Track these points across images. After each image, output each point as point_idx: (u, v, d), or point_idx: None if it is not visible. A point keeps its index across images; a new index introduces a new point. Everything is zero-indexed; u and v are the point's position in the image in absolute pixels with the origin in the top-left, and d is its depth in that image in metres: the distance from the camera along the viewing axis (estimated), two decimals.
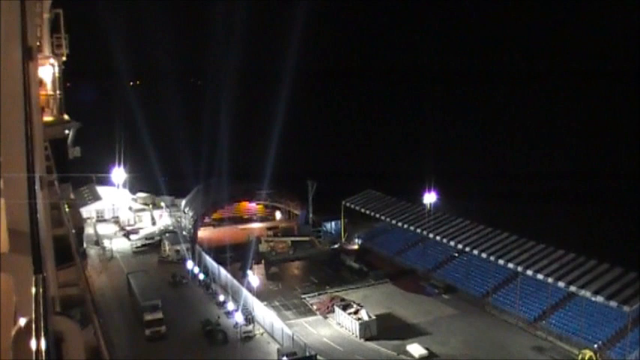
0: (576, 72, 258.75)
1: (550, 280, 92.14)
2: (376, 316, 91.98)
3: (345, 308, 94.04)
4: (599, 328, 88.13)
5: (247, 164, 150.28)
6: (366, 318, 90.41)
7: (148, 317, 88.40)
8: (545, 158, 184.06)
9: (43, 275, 7.24)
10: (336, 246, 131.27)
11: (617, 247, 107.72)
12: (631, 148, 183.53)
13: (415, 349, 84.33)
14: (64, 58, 58.16)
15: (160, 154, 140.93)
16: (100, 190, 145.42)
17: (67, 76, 62.00)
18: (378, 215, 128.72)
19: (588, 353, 79.46)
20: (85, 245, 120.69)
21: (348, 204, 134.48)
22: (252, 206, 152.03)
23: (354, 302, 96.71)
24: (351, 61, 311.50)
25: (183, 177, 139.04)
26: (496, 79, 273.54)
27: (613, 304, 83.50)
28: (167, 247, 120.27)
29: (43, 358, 6.53)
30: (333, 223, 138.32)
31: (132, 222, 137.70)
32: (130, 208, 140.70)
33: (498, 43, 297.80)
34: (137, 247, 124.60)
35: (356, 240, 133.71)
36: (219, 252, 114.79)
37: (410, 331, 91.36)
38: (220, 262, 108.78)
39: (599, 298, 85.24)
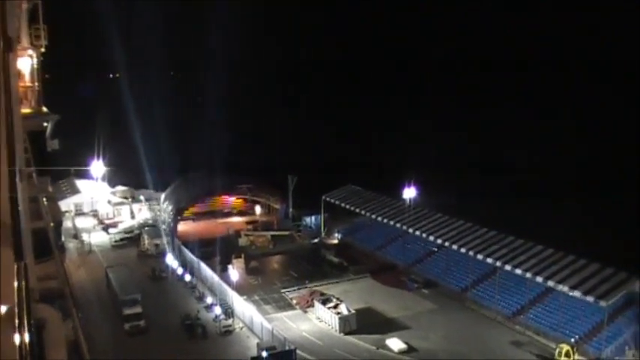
0: (557, 64, 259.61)
1: (528, 275, 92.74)
2: (356, 310, 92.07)
3: (324, 302, 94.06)
4: (577, 322, 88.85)
5: (227, 158, 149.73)
6: (345, 312, 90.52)
7: (127, 311, 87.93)
8: (525, 153, 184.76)
9: (25, 263, 7.18)
10: (316, 240, 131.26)
11: (594, 243, 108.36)
12: (611, 144, 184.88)
13: (395, 343, 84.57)
14: (42, 50, 57.54)
15: (139, 148, 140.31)
16: (79, 183, 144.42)
17: (46, 67, 61.39)
18: (358, 210, 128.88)
19: (565, 347, 79.96)
20: (63, 239, 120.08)
21: (328, 198, 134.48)
22: (232, 200, 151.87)
23: (333, 297, 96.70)
24: (332, 55, 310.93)
25: (162, 170, 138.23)
26: (479, 71, 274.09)
27: (590, 299, 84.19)
28: (146, 241, 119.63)
29: (26, 343, 6.48)
30: (313, 217, 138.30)
31: (111, 215, 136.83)
32: (109, 202, 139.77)
33: (479, 33, 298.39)
34: (116, 241, 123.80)
35: (336, 234, 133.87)
36: (198, 246, 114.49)
37: (389, 326, 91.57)
38: (200, 256, 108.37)
39: (577, 293, 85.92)
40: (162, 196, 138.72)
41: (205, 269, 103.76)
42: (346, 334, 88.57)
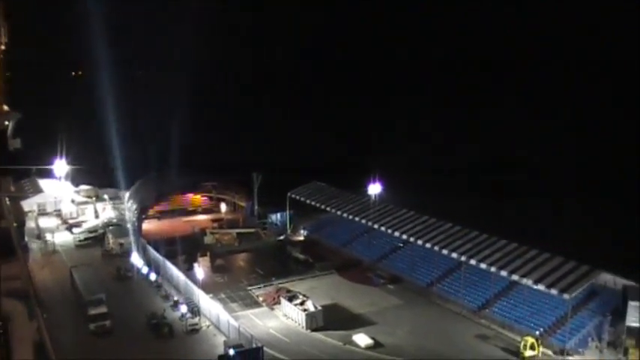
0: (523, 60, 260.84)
1: (493, 269, 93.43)
2: (322, 306, 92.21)
3: (291, 299, 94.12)
4: (541, 315, 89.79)
5: (192, 156, 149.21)
6: (312, 309, 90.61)
7: (92, 312, 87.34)
8: (488, 149, 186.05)
9: None
10: (281, 237, 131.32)
11: (556, 237, 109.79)
12: (573, 139, 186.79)
13: (361, 338, 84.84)
14: (3, 47, 56.98)
15: (103, 146, 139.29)
16: (42, 182, 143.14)
17: (7, 65, 60.81)
18: (323, 206, 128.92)
19: (530, 340, 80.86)
20: (26, 239, 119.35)
21: (293, 195, 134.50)
22: (198, 198, 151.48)
23: (300, 293, 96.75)
24: (297, 51, 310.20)
25: (127, 169, 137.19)
26: (443, 66, 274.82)
27: (554, 292, 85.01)
28: (111, 241, 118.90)
29: None
30: (278, 214, 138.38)
31: (74, 215, 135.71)
32: (73, 201, 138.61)
33: (444, 31, 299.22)
34: (80, 241, 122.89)
35: (302, 231, 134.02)
36: (164, 245, 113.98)
37: (356, 322, 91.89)
38: (165, 255, 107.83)
39: (541, 287, 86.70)
40: (127, 194, 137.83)
41: (171, 268, 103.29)
42: (313, 330, 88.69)
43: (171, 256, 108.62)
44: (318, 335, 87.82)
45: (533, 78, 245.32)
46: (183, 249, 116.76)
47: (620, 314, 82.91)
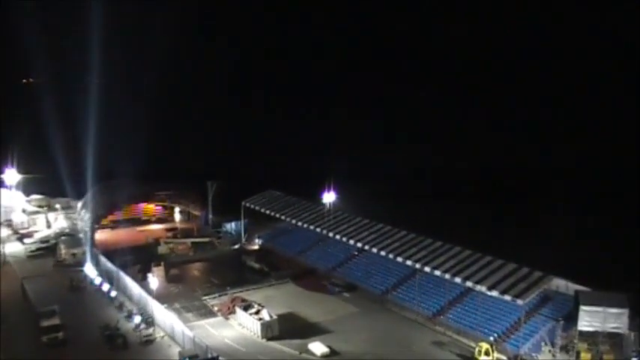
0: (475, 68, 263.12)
1: (447, 276, 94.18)
2: (278, 315, 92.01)
3: (246, 309, 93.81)
4: (495, 321, 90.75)
5: (146, 165, 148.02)
6: (267, 318, 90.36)
7: (45, 323, 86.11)
8: (441, 157, 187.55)
9: None
10: (236, 247, 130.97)
11: (509, 243, 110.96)
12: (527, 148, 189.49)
13: (317, 347, 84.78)
14: None
15: (55, 155, 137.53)
16: None
17: None
18: (278, 215, 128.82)
19: (485, 346, 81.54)
20: None
21: (248, 204, 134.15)
22: (151, 207, 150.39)
23: (255, 302, 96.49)
24: (251, 59, 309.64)
25: (79, 178, 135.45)
26: (400, 75, 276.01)
27: (508, 298, 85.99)
28: (63, 251, 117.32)
29: None
30: (233, 223, 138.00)
31: (26, 225, 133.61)
32: (24, 211, 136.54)
33: (401, 37, 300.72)
34: (32, 251, 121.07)
35: (257, 240, 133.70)
36: (117, 255, 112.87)
37: (312, 330, 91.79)
38: (119, 265, 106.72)
39: (495, 293, 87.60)
40: (79, 204, 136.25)
41: (125, 278, 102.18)
42: (269, 339, 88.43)
43: (125, 267, 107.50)
44: (274, 344, 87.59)
45: (481, 82, 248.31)
46: (137, 259, 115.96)
47: (572, 318, 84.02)
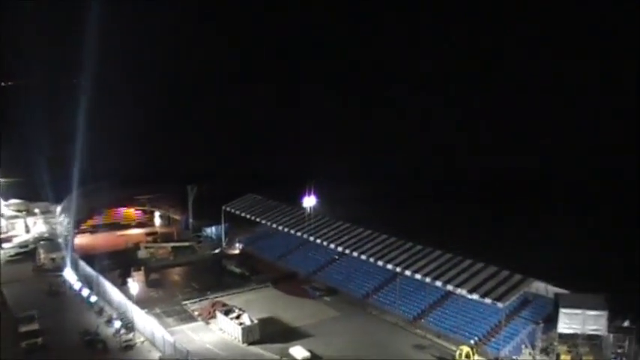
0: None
1: (428, 279, 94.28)
2: (259, 320, 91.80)
3: (227, 313, 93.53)
4: (476, 324, 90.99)
5: (126, 169, 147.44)
6: (248, 322, 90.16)
7: (24, 329, 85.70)
8: (421, 160, 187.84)
9: None
10: (217, 251, 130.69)
11: (489, 246, 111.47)
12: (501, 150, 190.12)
13: (298, 351, 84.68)
14: None
15: (34, 159, 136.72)
16: None
17: None
18: (259, 219, 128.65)
19: (465, 349, 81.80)
20: None
21: (228, 208, 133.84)
22: (131, 212, 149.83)
23: (236, 307, 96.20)
24: (233, 62, 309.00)
25: (58, 182, 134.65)
26: (380, 77, 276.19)
27: (488, 301, 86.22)
28: (42, 256, 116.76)
29: None
30: (213, 228, 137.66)
31: (4, 230, 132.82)
32: (2, 215, 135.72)
33: (381, 39, 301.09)
34: (10, 256, 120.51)
35: (237, 245, 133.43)
36: (97, 259, 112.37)
37: (293, 334, 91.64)
38: (99, 270, 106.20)
39: (475, 296, 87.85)
40: (59, 208, 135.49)
41: (104, 283, 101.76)
42: (249, 344, 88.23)
43: (104, 271, 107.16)
44: (255, 349, 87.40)
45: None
46: (117, 263, 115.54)
47: (552, 321, 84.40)
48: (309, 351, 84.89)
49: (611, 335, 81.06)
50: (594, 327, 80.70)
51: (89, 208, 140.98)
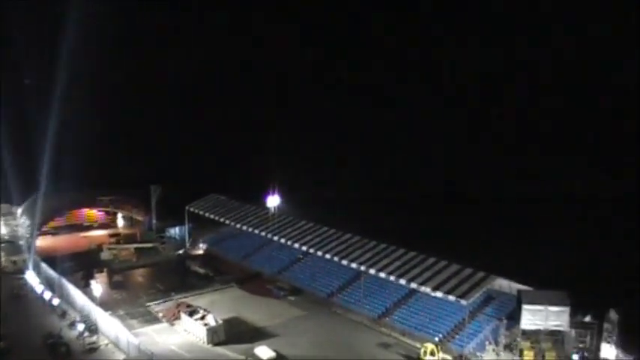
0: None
1: (392, 278, 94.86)
2: (224, 320, 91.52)
3: (191, 314, 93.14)
4: (440, 321, 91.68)
5: (88, 170, 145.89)
6: (213, 323, 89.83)
7: None
8: (380, 163, 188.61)
9: None
10: (180, 252, 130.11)
11: (451, 244, 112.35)
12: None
13: (263, 351, 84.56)
14: None
15: None
16: None
17: None
18: (222, 219, 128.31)
19: (430, 346, 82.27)
20: None
21: (192, 209, 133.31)
22: (94, 213, 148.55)
23: (200, 308, 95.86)
24: (196, 66, 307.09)
25: (19, 183, 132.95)
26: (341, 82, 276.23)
27: (452, 298, 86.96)
28: (3, 259, 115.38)
29: None
30: (177, 228, 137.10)
31: None
32: None
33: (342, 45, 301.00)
34: None
35: (201, 245, 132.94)
36: (59, 261, 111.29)
37: (258, 334, 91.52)
38: (61, 272, 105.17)
39: (439, 294, 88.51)
40: (19, 210, 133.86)
41: (67, 285, 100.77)
42: (215, 345, 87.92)
43: (67, 273, 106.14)
44: (220, 349, 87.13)
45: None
46: (80, 265, 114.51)
47: (515, 317, 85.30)
48: (275, 351, 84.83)
49: (573, 330, 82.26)
50: (556, 323, 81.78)
51: (51, 210, 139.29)
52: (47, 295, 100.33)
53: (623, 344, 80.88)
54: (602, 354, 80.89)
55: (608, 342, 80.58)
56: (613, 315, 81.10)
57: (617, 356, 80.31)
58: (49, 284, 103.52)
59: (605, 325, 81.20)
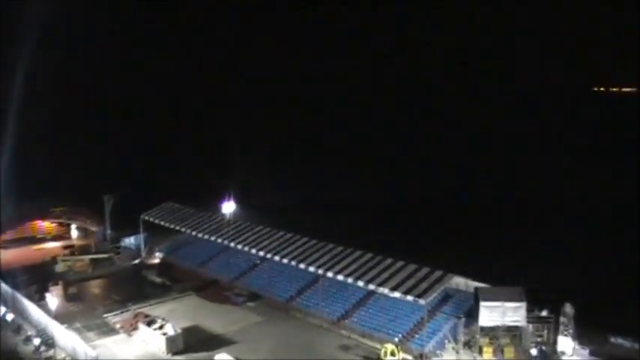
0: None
1: (350, 280, 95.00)
2: (182, 329, 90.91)
3: (149, 324, 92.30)
4: (399, 322, 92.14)
5: (38, 181, 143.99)
6: (171, 332, 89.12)
7: None
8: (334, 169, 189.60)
9: None
10: (136, 261, 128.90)
11: (405, 244, 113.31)
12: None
13: (223, 358, 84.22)
14: None
15: None
16: None
17: None
18: (178, 227, 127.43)
19: (390, 347, 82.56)
20: None
21: (146, 217, 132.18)
22: (46, 225, 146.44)
23: (158, 317, 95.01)
24: (151, 72, 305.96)
25: None
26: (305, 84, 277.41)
27: (410, 298, 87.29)
28: None
29: None
30: (132, 237, 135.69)
31: None
32: None
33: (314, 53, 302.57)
34: None
35: (157, 254, 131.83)
36: (12, 275, 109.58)
37: (218, 342, 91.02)
38: (14, 286, 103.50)
39: (397, 294, 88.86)
40: None
41: (21, 299, 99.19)
42: (174, 354, 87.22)
43: (20, 287, 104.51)
44: (180, 358, 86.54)
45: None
46: (34, 278, 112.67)
47: (473, 315, 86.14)
48: (235, 358, 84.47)
49: (530, 325, 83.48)
50: (514, 318, 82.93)
51: (0, 223, 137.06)
52: (1, 310, 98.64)
53: (579, 337, 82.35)
54: (560, 347, 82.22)
55: (565, 335, 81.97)
56: (568, 309, 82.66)
57: (573, 348, 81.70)
58: (2, 299, 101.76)
59: (562, 319, 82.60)
